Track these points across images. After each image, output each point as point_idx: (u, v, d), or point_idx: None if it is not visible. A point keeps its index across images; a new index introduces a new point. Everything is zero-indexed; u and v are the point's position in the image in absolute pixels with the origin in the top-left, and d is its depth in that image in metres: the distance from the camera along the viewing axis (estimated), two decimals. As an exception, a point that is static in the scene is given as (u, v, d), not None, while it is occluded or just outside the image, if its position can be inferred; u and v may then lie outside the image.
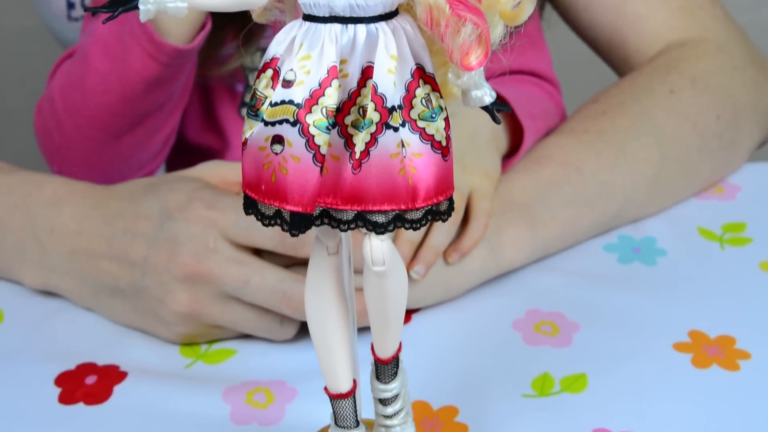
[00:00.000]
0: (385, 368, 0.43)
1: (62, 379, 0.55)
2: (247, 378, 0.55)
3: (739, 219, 0.67)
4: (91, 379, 0.55)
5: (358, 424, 0.43)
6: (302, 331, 0.57)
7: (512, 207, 0.62)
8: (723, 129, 0.68)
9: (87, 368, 0.56)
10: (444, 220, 0.38)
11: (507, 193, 0.63)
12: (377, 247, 0.38)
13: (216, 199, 0.55)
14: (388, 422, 0.44)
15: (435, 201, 0.37)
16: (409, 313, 0.60)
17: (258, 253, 0.56)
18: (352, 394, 0.43)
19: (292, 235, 0.37)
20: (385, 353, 0.43)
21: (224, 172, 0.59)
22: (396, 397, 0.44)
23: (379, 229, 0.37)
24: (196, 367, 0.57)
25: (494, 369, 0.56)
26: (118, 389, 0.55)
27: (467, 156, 0.62)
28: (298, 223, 0.37)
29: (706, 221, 0.67)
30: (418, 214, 0.37)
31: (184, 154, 0.79)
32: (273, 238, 0.54)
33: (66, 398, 0.54)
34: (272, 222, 0.38)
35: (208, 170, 0.59)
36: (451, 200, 0.38)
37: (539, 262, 0.64)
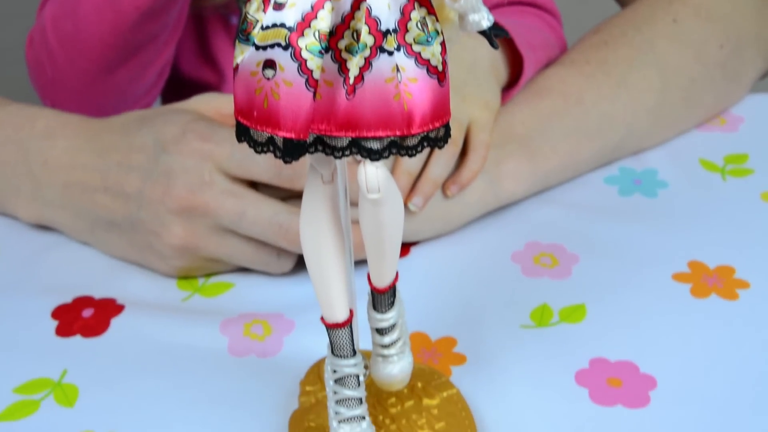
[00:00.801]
0: (382, 297, 0.43)
1: (59, 312, 0.55)
2: (245, 310, 0.55)
3: (741, 150, 0.66)
4: (87, 312, 0.55)
5: (354, 353, 0.43)
6: (300, 264, 0.57)
7: (512, 139, 0.61)
8: (726, 59, 0.67)
9: (83, 301, 0.56)
10: (440, 147, 0.37)
11: (507, 125, 0.62)
12: (372, 174, 0.37)
13: (211, 131, 0.54)
14: (386, 352, 0.44)
15: (431, 127, 0.36)
16: (407, 246, 0.59)
17: (254, 186, 0.55)
18: (348, 323, 0.42)
19: (285, 162, 0.37)
20: (382, 282, 0.43)
21: (220, 104, 0.58)
22: (393, 326, 0.44)
23: (374, 155, 0.36)
24: (193, 300, 0.57)
25: (493, 301, 0.55)
26: (115, 322, 0.55)
27: (466, 86, 0.61)
28: (291, 150, 0.36)
29: (708, 153, 0.66)
30: (413, 141, 0.37)
31: (179, 89, 0.78)
32: (269, 170, 0.54)
33: (63, 331, 0.54)
34: (265, 149, 0.37)
35: (204, 102, 0.58)
36: (447, 127, 0.37)
37: (539, 194, 0.63)
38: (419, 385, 0.48)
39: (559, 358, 0.51)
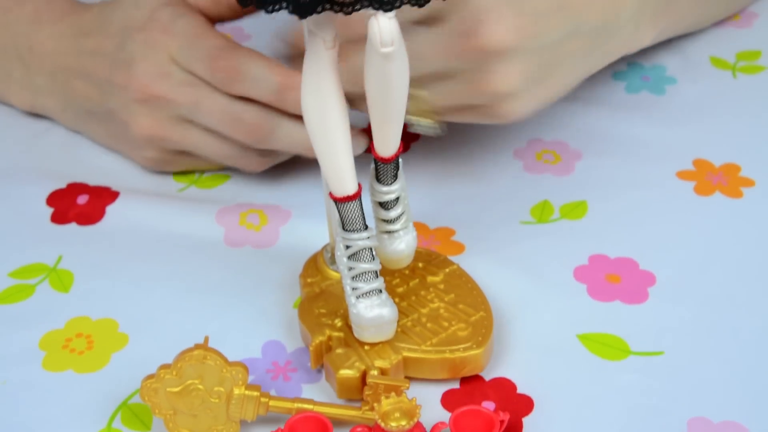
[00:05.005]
0: (387, 168, 0.42)
1: (54, 198, 0.55)
2: (242, 201, 0.55)
3: (754, 47, 0.64)
4: (82, 199, 0.55)
5: (366, 226, 0.42)
6: (297, 161, 0.55)
7: None
8: None
9: (78, 187, 0.55)
10: None
11: None
12: (386, 25, 0.36)
13: (172, 22, 0.52)
14: (390, 227, 0.44)
15: None
16: (408, 142, 0.58)
17: None
18: (359, 196, 0.42)
19: (301, 17, 0.36)
20: (387, 150, 0.42)
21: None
22: (398, 200, 0.43)
23: (386, 6, 0.36)
24: (189, 191, 0.56)
25: (493, 196, 0.55)
26: (110, 209, 0.54)
27: None
28: (301, 7, 0.36)
29: (720, 50, 0.64)
30: None
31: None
32: (206, 70, 0.51)
33: (58, 218, 0.53)
34: (276, 7, 0.36)
35: None
36: None
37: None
38: (420, 265, 0.48)
39: (558, 254, 0.51)
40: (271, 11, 0.36)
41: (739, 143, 0.57)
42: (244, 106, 0.51)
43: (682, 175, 0.55)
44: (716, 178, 0.55)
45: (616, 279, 0.49)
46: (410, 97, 0.42)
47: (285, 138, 0.51)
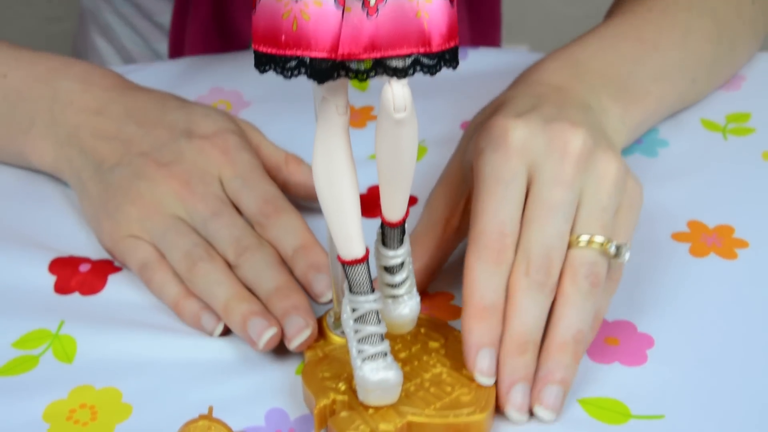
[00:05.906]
0: (394, 232, 0.43)
1: (56, 265, 0.54)
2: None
3: (743, 109, 0.65)
4: (85, 267, 0.55)
5: (373, 289, 0.43)
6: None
7: (604, 82, 0.57)
8: (756, 15, 0.66)
9: (80, 258, 0.56)
10: (454, 68, 0.38)
11: (597, 67, 0.57)
12: (399, 92, 0.38)
13: (237, 151, 0.54)
14: (396, 291, 0.44)
15: (447, 46, 0.38)
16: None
17: None
18: (366, 259, 0.42)
19: (319, 83, 0.38)
20: (395, 215, 0.42)
21: (266, 151, 0.57)
22: (403, 264, 0.44)
23: (399, 73, 0.37)
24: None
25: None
26: (112, 278, 0.54)
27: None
28: (319, 73, 0.37)
29: (710, 112, 0.65)
30: (433, 60, 0.38)
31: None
32: (249, 207, 0.52)
33: (61, 287, 0.53)
34: (295, 72, 0.37)
35: (251, 130, 0.57)
36: (457, 48, 0.38)
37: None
38: (422, 330, 0.48)
39: (557, 317, 0.51)
40: (290, 77, 0.37)
41: (732, 204, 0.58)
42: (253, 237, 0.51)
43: (677, 236, 0.56)
44: (711, 240, 0.56)
45: (614, 342, 0.50)
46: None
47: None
